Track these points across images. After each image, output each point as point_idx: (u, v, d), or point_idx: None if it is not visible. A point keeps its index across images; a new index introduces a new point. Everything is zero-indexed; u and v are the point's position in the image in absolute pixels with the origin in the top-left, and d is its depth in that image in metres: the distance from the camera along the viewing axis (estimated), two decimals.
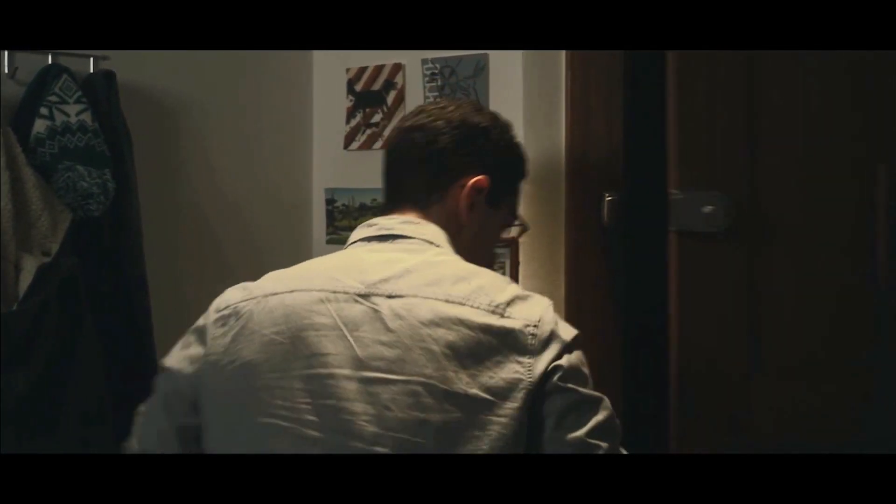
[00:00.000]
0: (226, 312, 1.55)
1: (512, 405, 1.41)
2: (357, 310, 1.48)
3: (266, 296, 1.54)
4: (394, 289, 1.49)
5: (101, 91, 2.40)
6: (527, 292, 1.52)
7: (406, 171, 1.69)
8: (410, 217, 1.64)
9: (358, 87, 2.78)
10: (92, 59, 2.42)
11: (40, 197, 2.22)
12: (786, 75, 2.06)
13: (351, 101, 2.80)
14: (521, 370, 1.43)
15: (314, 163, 2.91)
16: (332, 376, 1.44)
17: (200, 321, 1.58)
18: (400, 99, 2.68)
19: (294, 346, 1.47)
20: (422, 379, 1.42)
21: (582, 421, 1.43)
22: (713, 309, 2.06)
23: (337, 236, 2.84)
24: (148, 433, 1.55)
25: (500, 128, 1.74)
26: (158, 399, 1.55)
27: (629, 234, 2.44)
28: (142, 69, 2.54)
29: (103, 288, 2.37)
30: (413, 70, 2.65)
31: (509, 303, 1.48)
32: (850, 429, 2.05)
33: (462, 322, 1.44)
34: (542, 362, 1.43)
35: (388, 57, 2.70)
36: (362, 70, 2.77)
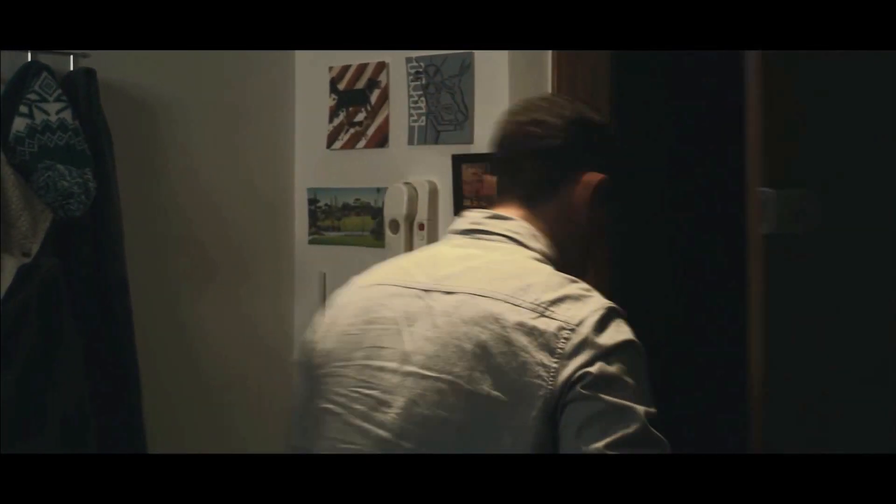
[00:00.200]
0: (329, 303, 1.63)
1: (529, 412, 1.38)
2: (417, 305, 1.51)
3: (358, 288, 1.60)
4: (452, 285, 1.50)
5: (81, 89, 2.38)
6: (588, 293, 1.47)
7: (519, 166, 1.65)
8: (505, 211, 1.62)
9: (341, 86, 2.77)
10: (72, 57, 2.40)
11: (20, 196, 2.20)
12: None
13: (334, 99, 2.78)
14: (544, 374, 1.39)
15: (296, 162, 2.89)
16: (382, 369, 1.49)
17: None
18: (384, 98, 2.66)
19: (361, 338, 1.52)
20: (450, 377, 1.43)
21: (606, 432, 1.36)
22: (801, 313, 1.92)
23: (319, 236, 2.82)
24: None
25: (613, 127, 1.73)
26: None
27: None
28: (122, 67, 2.51)
29: (84, 288, 2.35)
30: (397, 68, 2.63)
31: (556, 301, 1.44)
32: None
33: (497, 320, 1.43)
34: (568, 368, 1.38)
35: (371, 55, 2.68)
36: (345, 68, 2.75)
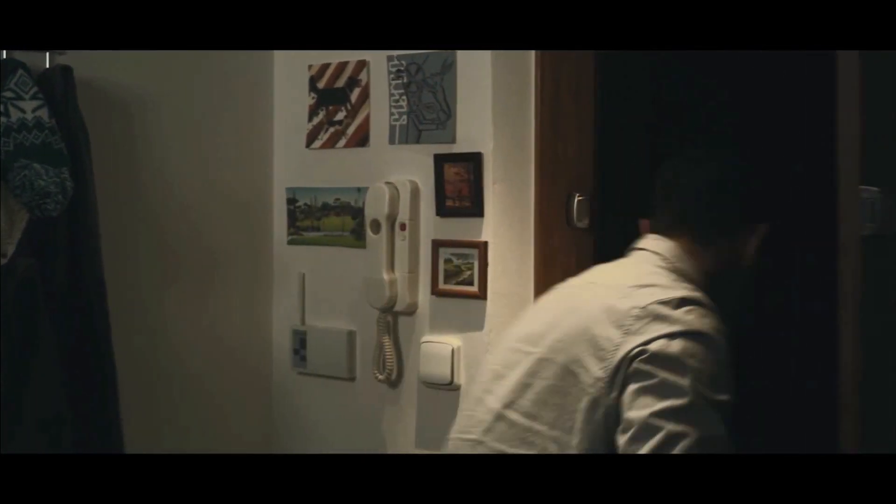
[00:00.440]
0: None
1: (589, 382, 1.58)
2: (561, 295, 1.80)
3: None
4: (590, 281, 1.78)
5: (58, 87, 2.34)
6: (680, 285, 1.65)
7: (691, 201, 1.78)
8: (669, 243, 1.77)
9: (320, 84, 2.74)
10: (48, 54, 2.36)
11: None
12: None
13: (313, 98, 2.76)
14: (608, 347, 1.57)
15: (275, 161, 2.86)
16: (506, 348, 1.78)
17: None
18: (364, 96, 2.64)
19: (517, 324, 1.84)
20: (541, 352, 1.67)
21: (654, 402, 1.50)
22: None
23: (298, 237, 2.79)
24: None
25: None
26: None
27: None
28: (99, 64, 2.47)
29: (61, 289, 2.32)
30: (378, 67, 2.61)
31: (643, 286, 1.62)
32: None
33: (591, 301, 1.66)
34: (629, 343, 1.55)
35: (351, 53, 2.66)
36: (325, 66, 2.73)
